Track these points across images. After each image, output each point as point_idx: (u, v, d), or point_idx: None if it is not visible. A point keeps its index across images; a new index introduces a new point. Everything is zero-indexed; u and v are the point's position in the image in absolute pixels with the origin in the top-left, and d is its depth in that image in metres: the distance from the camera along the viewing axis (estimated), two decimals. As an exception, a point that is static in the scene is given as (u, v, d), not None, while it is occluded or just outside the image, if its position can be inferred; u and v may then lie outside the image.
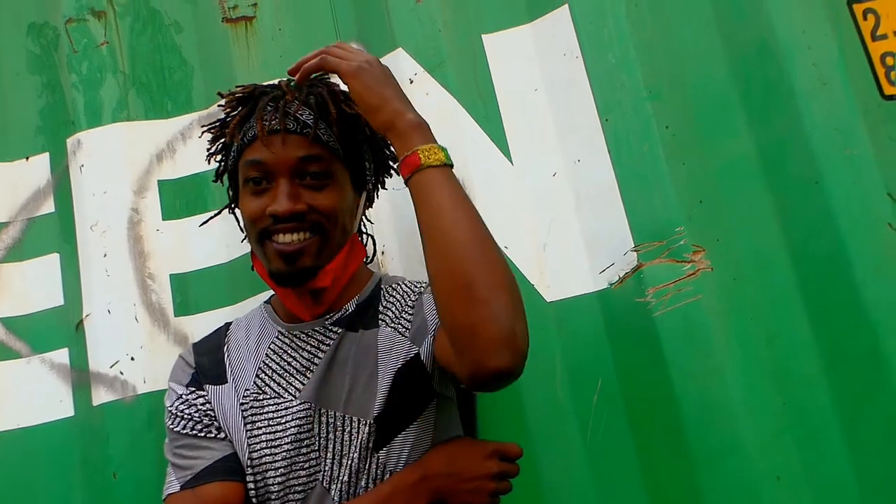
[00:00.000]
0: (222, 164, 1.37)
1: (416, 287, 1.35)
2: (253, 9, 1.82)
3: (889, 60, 1.53)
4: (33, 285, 1.78)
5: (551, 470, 1.50)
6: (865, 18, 1.55)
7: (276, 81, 1.34)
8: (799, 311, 1.45)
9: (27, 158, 1.85)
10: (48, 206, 1.82)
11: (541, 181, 1.64)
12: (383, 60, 1.74)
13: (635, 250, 1.54)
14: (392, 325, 1.30)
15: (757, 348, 1.45)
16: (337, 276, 1.30)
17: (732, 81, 1.55)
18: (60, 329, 1.75)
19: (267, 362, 1.32)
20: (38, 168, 1.84)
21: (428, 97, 1.69)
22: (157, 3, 1.87)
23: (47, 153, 1.84)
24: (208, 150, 1.40)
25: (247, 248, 1.66)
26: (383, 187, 1.46)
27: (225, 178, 1.40)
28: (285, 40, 1.80)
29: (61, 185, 1.81)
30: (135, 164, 1.78)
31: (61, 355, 1.73)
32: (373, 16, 1.77)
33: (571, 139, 1.63)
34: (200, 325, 1.65)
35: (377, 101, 1.17)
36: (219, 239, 1.71)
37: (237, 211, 1.38)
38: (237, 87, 1.34)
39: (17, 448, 1.68)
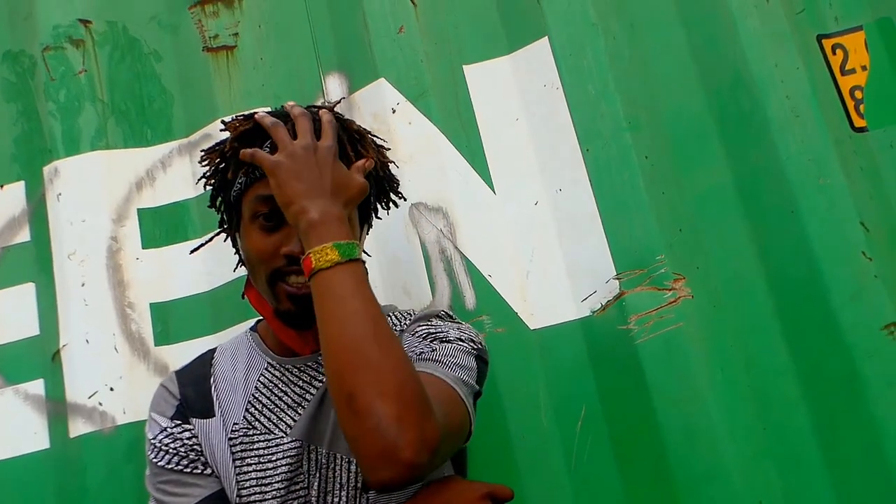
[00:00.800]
0: (223, 191, 1.30)
1: (405, 318, 1.32)
2: (234, 38, 1.82)
3: (857, 94, 1.57)
4: (8, 315, 1.74)
5: (537, 497, 1.48)
6: (834, 53, 1.59)
7: (282, 107, 1.27)
8: (777, 336, 1.47)
9: (2, 187, 1.81)
10: (24, 235, 1.78)
11: (523, 210, 1.65)
12: (365, 90, 1.80)
13: (617, 278, 1.54)
14: None
15: (737, 373, 1.46)
16: None
17: (708, 112, 1.57)
18: (36, 359, 1.70)
19: (257, 395, 1.27)
20: (13, 196, 1.80)
21: (411, 126, 1.69)
22: (137, 31, 1.85)
23: (23, 181, 1.80)
24: (206, 175, 1.31)
25: (228, 276, 1.65)
26: (377, 216, 1.43)
27: (219, 202, 1.33)
28: (267, 69, 1.79)
29: (37, 213, 1.78)
30: (114, 193, 1.76)
31: (36, 386, 1.69)
32: (354, 46, 1.77)
33: (553, 168, 1.64)
34: (181, 355, 1.61)
35: (286, 199, 1.11)
36: (200, 267, 1.69)
37: (236, 241, 1.32)
38: (237, 116, 1.27)
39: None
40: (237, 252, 1.34)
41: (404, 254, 1.65)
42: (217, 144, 1.29)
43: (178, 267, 1.72)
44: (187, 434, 1.26)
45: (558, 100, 1.66)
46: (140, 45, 1.84)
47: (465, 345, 1.22)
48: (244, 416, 1.25)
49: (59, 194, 1.76)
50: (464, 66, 1.73)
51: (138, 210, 1.76)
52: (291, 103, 1.21)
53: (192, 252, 1.41)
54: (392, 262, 1.64)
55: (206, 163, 1.30)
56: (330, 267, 1.05)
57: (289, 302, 1.20)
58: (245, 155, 1.16)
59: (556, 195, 1.63)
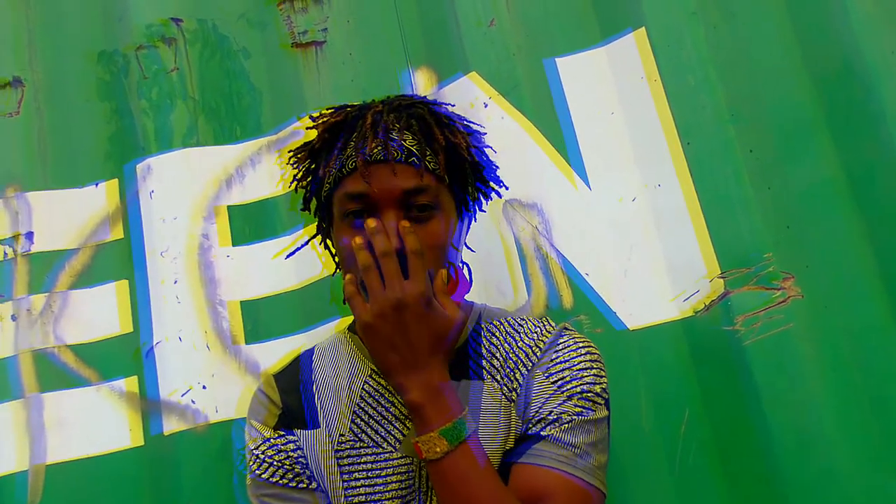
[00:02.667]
0: (311, 191, 1.22)
1: (522, 327, 1.19)
2: (323, 34, 1.76)
3: (977, 81, 1.47)
4: (102, 312, 1.70)
5: (639, 502, 1.40)
6: (954, 39, 1.49)
7: (368, 102, 1.21)
8: (893, 338, 1.35)
9: (96, 184, 1.78)
10: (117, 233, 1.75)
11: (620, 206, 1.55)
12: (455, 85, 1.74)
13: (721, 277, 1.45)
14: (498, 379, 1.15)
15: (850, 375, 1.35)
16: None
17: (816, 103, 1.46)
18: (129, 357, 1.67)
19: (362, 406, 1.17)
20: (107, 194, 1.77)
21: (502, 121, 1.62)
22: (226, 29, 1.81)
23: (116, 179, 1.77)
24: (295, 175, 1.24)
25: (317, 272, 1.61)
26: (482, 210, 1.32)
27: (312, 205, 1.25)
28: (356, 65, 1.74)
29: (131, 211, 1.75)
30: (204, 190, 1.71)
31: (131, 383, 1.65)
32: (443, 40, 1.70)
33: (650, 163, 1.55)
34: (271, 352, 1.57)
35: (383, 368, 1.08)
36: (288, 264, 1.64)
37: (328, 241, 1.24)
38: (325, 109, 1.20)
39: (85, 477, 1.60)
40: (333, 256, 1.24)
41: (498, 251, 1.56)
42: (305, 144, 1.21)
43: (268, 264, 1.67)
44: (292, 446, 1.17)
45: (655, 92, 1.57)
46: (229, 43, 1.80)
47: (599, 400, 1.12)
48: (350, 428, 1.15)
49: (152, 191, 1.72)
50: (556, 59, 1.65)
51: (228, 207, 1.71)
52: (371, 223, 1.08)
53: (287, 257, 1.35)
54: (486, 259, 1.55)
55: (294, 162, 1.23)
56: (441, 458, 1.03)
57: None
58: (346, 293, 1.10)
59: (654, 191, 1.54)
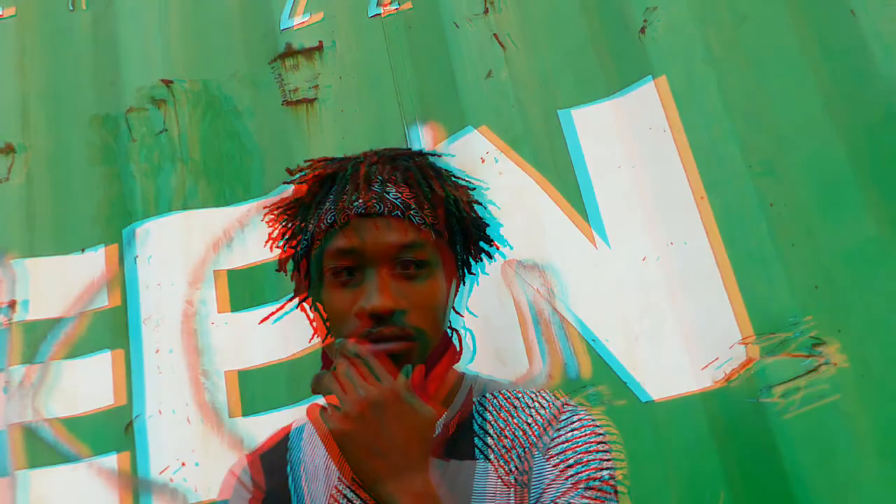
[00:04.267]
0: (297, 249, 1.09)
1: (532, 402, 1.06)
2: (314, 91, 1.67)
3: None
4: (95, 383, 1.60)
5: None
6: None
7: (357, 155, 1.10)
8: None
9: (95, 250, 1.70)
10: (115, 299, 1.65)
11: (642, 265, 1.41)
12: (453, 141, 1.64)
13: (745, 343, 1.31)
14: (507, 460, 1.01)
15: (901, 457, 1.18)
16: (439, 386, 1.03)
17: (853, 154, 1.31)
18: (111, 431, 1.55)
19: (340, 488, 1.04)
20: (106, 260, 1.69)
21: (514, 176, 1.49)
22: (217, 89, 1.73)
23: (103, 245, 1.69)
24: (283, 234, 1.11)
25: (307, 343, 1.48)
26: (470, 272, 1.24)
27: (289, 266, 1.16)
28: (347, 121, 1.64)
29: (128, 277, 1.65)
30: (204, 254, 1.62)
31: (122, 459, 1.53)
32: (440, 94, 1.59)
33: (675, 219, 1.40)
34: (271, 426, 1.41)
35: (365, 479, 0.94)
36: (277, 333, 1.50)
37: (308, 304, 1.16)
38: (310, 161, 1.08)
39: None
40: (319, 318, 1.09)
41: (510, 317, 1.42)
42: (294, 199, 1.07)
43: (255, 332, 1.54)
44: None
45: (668, 144, 1.43)
46: (220, 103, 1.72)
47: (607, 489, 0.97)
48: None
49: (150, 256, 1.63)
50: (571, 110, 1.52)
51: (228, 272, 1.61)
52: (349, 342, 0.96)
53: (260, 322, 1.23)
54: (496, 326, 1.41)
55: (283, 220, 1.08)
56: None
57: (386, 362, 0.97)
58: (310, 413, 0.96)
59: (668, 248, 1.39)
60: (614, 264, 1.43)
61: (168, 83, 1.72)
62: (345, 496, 1.03)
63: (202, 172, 1.67)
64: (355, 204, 1.00)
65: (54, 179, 1.75)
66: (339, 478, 1.05)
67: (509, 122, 1.53)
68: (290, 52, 1.68)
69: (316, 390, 0.95)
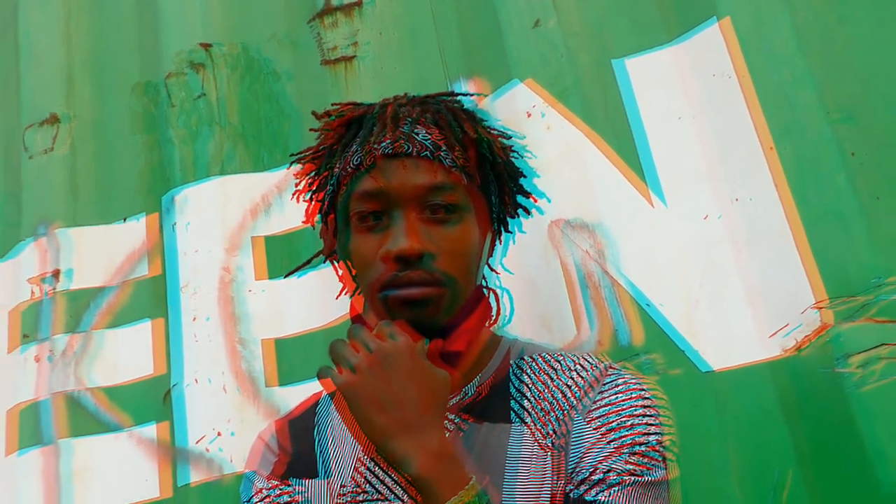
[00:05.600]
0: (324, 199, 1.04)
1: (573, 365, 0.99)
2: (353, 48, 1.61)
3: None
4: (136, 352, 1.59)
5: None
6: None
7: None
8: None
9: (125, 220, 1.69)
10: (155, 268, 1.63)
11: (703, 225, 1.30)
12: (498, 95, 1.56)
13: (819, 307, 1.18)
14: (544, 424, 0.95)
15: None
16: (472, 341, 0.97)
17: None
18: (150, 401, 1.54)
19: (364, 459, 0.99)
20: (146, 228, 1.67)
21: (563, 131, 1.39)
22: (256, 51, 1.69)
23: (144, 213, 1.67)
24: (307, 184, 1.07)
25: (344, 309, 1.43)
26: (507, 230, 1.16)
27: (317, 222, 1.13)
28: (387, 79, 1.57)
29: (167, 244, 1.63)
30: (228, 221, 1.58)
31: (162, 429, 1.52)
32: (485, 47, 1.50)
33: (740, 174, 1.29)
34: (293, 398, 1.37)
35: (374, 438, 0.88)
36: (314, 301, 1.46)
37: (338, 260, 1.10)
38: (337, 104, 1.02)
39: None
40: (347, 271, 1.05)
41: (556, 280, 1.33)
42: (317, 148, 1.02)
43: (306, 298, 1.50)
44: (285, 497, 1.00)
45: (733, 91, 1.32)
46: (259, 66, 1.68)
47: (656, 456, 0.89)
48: (367, 478, 0.99)
49: (188, 223, 1.60)
50: (625, 60, 1.42)
51: (265, 238, 1.57)
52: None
53: (286, 275, 1.18)
54: (542, 289, 1.33)
55: (305, 169, 1.04)
56: None
57: (405, 309, 0.92)
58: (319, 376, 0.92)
59: (744, 205, 1.27)
60: (671, 223, 1.33)
61: (207, 47, 1.70)
62: (367, 467, 0.99)
63: (240, 137, 1.64)
64: (382, 145, 0.94)
65: (97, 148, 1.75)
66: (362, 449, 1.00)
67: (558, 73, 1.44)
68: (328, 9, 1.63)
69: (332, 357, 0.90)
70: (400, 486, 0.96)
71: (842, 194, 1.21)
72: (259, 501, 1.02)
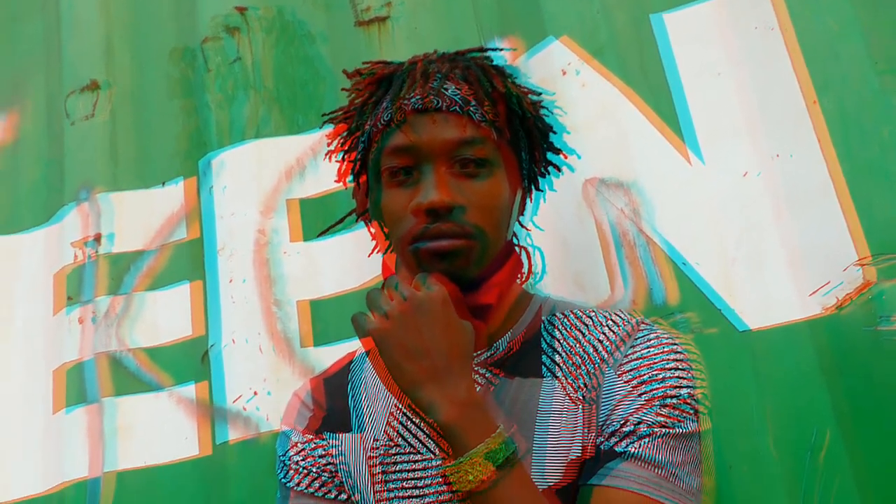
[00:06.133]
0: (355, 158, 1.07)
1: (605, 320, 0.98)
2: (386, 8, 1.59)
3: None
4: (176, 314, 1.62)
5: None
6: None
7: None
8: None
9: (163, 184, 1.71)
10: (194, 231, 1.66)
11: (741, 182, 1.27)
12: (533, 54, 1.54)
13: (861, 264, 1.15)
14: (575, 378, 0.95)
15: None
16: (502, 294, 0.98)
17: None
18: (189, 361, 1.57)
19: (401, 407, 1.02)
20: (184, 192, 1.69)
21: (584, 89, 1.37)
22: (291, 14, 1.68)
23: (181, 177, 1.69)
24: (340, 147, 1.09)
25: (378, 270, 1.44)
26: (537, 188, 1.16)
27: (349, 182, 1.09)
28: (421, 40, 1.55)
29: (205, 208, 1.65)
30: (276, 183, 1.59)
31: (201, 388, 1.55)
32: (519, 4, 1.48)
33: (780, 129, 1.26)
34: (328, 358, 1.37)
35: (404, 384, 0.90)
36: (349, 263, 1.48)
37: (370, 220, 1.09)
38: (368, 63, 1.04)
39: (155, 486, 1.52)
40: (379, 230, 1.08)
41: (590, 238, 1.32)
42: (349, 107, 1.05)
43: (341, 260, 1.51)
44: (334, 451, 1.03)
45: (776, 43, 1.29)
46: (293, 28, 1.67)
47: (688, 409, 0.90)
48: (399, 432, 1.01)
49: (224, 187, 1.62)
50: (663, 14, 1.39)
51: (300, 201, 1.58)
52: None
53: (319, 234, 1.20)
54: (575, 247, 1.32)
55: (337, 129, 1.06)
56: (488, 488, 0.85)
57: (436, 261, 0.93)
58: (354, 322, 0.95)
59: (784, 162, 1.24)
60: (709, 181, 1.30)
61: (242, 10, 1.70)
62: (399, 422, 1.01)
63: (275, 100, 1.64)
64: (412, 100, 0.96)
65: (136, 114, 1.77)
66: (395, 404, 1.02)
67: (593, 29, 1.42)
68: (362, -30, 1.62)
69: (368, 305, 0.92)
70: (432, 440, 0.98)
71: (887, 149, 1.18)
72: (294, 455, 1.05)
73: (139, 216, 1.71)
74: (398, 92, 0.98)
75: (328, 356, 1.46)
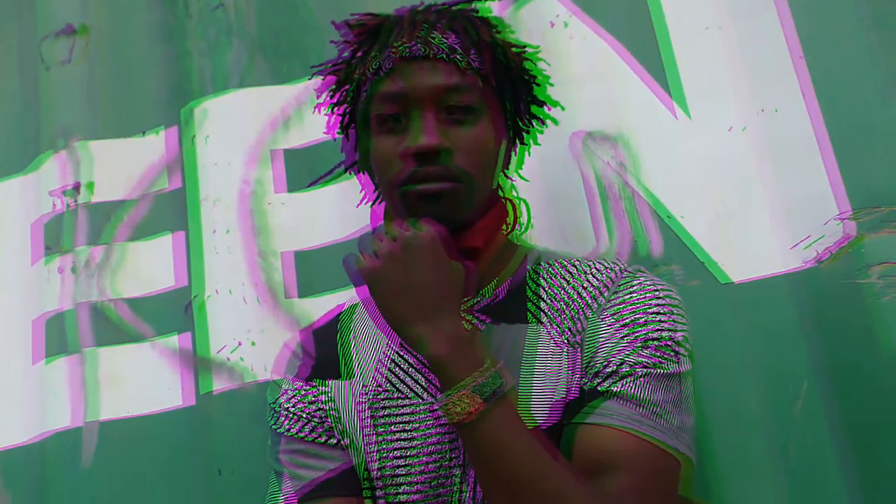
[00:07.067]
0: (345, 109, 1.10)
1: (589, 268, 1.02)
2: (374, -48, 1.59)
3: None
4: (158, 265, 1.61)
5: (738, 500, 1.15)
6: None
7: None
8: None
9: (156, 131, 1.68)
10: (175, 181, 1.64)
11: (726, 136, 1.29)
12: (532, 5, 1.52)
13: (842, 218, 1.18)
14: (559, 322, 0.98)
15: None
16: (489, 239, 1.02)
17: None
18: (172, 312, 1.56)
19: (402, 354, 1.04)
20: (166, 141, 1.66)
21: (586, 42, 1.38)
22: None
23: (162, 126, 1.66)
24: (328, 95, 1.12)
25: (363, 221, 1.45)
26: (521, 142, 1.18)
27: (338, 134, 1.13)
28: (410, -13, 1.55)
29: (176, 159, 1.64)
30: (260, 133, 1.57)
31: (184, 339, 1.55)
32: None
33: (766, 84, 1.28)
34: (326, 308, 1.40)
35: (393, 323, 0.93)
36: (333, 214, 1.48)
37: (359, 171, 1.12)
38: (356, 14, 1.07)
39: (137, 436, 1.52)
40: (375, 185, 1.10)
41: (576, 190, 1.34)
42: (338, 58, 1.09)
43: (325, 212, 1.52)
44: (324, 397, 1.06)
45: (763, 0, 1.31)
46: (278, -29, 1.63)
47: (680, 350, 0.94)
48: (388, 378, 1.04)
49: (207, 136, 1.60)
50: (640, -35, 1.38)
51: (285, 151, 1.57)
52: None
53: (309, 185, 1.21)
54: (561, 199, 1.34)
55: (326, 82, 1.10)
56: (476, 420, 0.87)
57: (422, 204, 0.97)
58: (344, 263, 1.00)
59: (770, 117, 1.27)
60: (695, 135, 1.33)
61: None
62: (389, 369, 1.04)
63: (258, 48, 1.62)
64: (400, 48, 0.99)
65: (115, 60, 1.73)
66: (387, 343, 1.04)
67: (583, -21, 1.41)
68: (347, -88, 1.59)
69: (359, 246, 0.96)
70: (420, 386, 1.00)
71: (871, 105, 1.20)
72: (285, 402, 1.09)
73: (119, 165, 1.68)
74: (386, 41, 1.01)
75: (313, 307, 1.48)
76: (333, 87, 1.10)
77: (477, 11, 1.07)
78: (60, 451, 1.56)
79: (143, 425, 1.54)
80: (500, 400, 0.87)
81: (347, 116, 1.10)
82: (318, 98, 1.13)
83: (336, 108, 1.10)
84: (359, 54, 1.05)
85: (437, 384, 0.97)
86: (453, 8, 1.06)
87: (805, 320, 1.18)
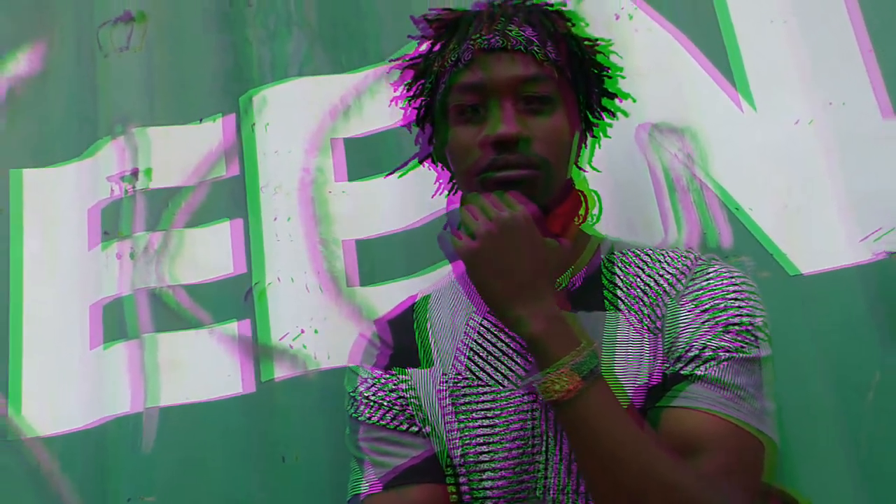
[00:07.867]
0: (421, 101, 1.14)
1: (663, 257, 1.05)
2: (440, -57, 1.60)
3: None
4: (216, 251, 1.63)
5: (810, 493, 1.16)
6: None
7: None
8: None
9: (201, 120, 1.71)
10: (233, 169, 1.66)
11: (794, 129, 1.31)
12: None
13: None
14: (637, 309, 1.01)
15: None
16: (566, 226, 1.04)
17: None
18: (231, 299, 1.59)
19: (480, 342, 1.07)
20: (223, 129, 1.69)
21: (651, 34, 1.40)
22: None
23: (220, 113, 1.69)
24: (405, 87, 1.16)
25: (430, 211, 1.48)
26: (591, 135, 1.19)
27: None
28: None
29: (234, 146, 1.66)
30: (320, 122, 1.60)
31: (243, 326, 1.57)
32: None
33: (834, 77, 1.30)
34: (388, 296, 1.43)
35: (493, 303, 0.97)
36: (394, 203, 1.51)
37: (434, 162, 1.17)
38: (434, 9, 1.12)
39: (198, 423, 1.55)
40: (451, 177, 1.15)
41: (644, 182, 1.36)
42: (416, 54, 1.13)
43: (386, 200, 1.54)
44: (405, 385, 1.09)
45: (835, -11, 1.33)
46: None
47: (761, 335, 0.97)
48: (467, 366, 1.06)
49: (267, 124, 1.63)
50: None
51: (345, 140, 1.59)
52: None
53: (386, 176, 1.24)
54: (629, 191, 1.36)
55: (403, 75, 1.15)
56: (574, 397, 0.90)
57: (503, 190, 1.00)
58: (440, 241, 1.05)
59: (837, 109, 1.29)
60: (761, 128, 1.35)
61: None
62: (466, 356, 1.07)
63: (318, 37, 1.65)
64: (479, 40, 1.03)
65: (173, 48, 1.76)
66: (462, 340, 1.07)
67: (649, -29, 1.43)
68: None
69: (449, 225, 0.99)
70: (500, 373, 1.03)
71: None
72: (365, 390, 1.12)
73: (176, 152, 1.71)
74: (465, 34, 1.06)
75: (375, 296, 1.51)
76: (410, 80, 1.14)
77: (552, 5, 1.11)
78: (120, 437, 1.58)
79: (203, 411, 1.56)
80: (597, 379, 0.90)
81: (424, 109, 1.13)
82: (395, 91, 1.16)
83: (412, 101, 1.14)
84: (437, 47, 1.09)
85: (517, 372, 1.00)
86: (529, 2, 1.10)
87: (876, 312, 1.20)
